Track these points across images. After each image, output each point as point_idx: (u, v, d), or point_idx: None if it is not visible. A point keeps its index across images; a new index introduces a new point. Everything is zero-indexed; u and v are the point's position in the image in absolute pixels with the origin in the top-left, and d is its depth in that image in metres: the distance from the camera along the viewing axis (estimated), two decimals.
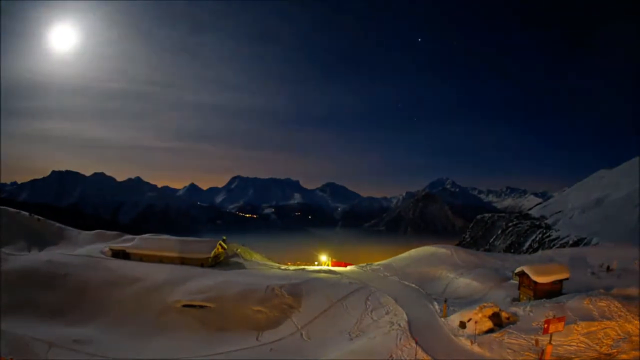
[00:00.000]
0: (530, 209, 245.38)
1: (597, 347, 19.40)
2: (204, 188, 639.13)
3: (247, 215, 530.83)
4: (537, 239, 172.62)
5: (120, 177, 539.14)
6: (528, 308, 24.14)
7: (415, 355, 18.94)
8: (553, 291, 28.35)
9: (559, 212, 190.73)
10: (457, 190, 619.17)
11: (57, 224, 51.29)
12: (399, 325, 23.87)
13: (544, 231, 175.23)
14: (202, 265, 40.99)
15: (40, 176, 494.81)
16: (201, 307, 30.21)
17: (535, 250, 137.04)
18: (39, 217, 50.42)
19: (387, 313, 27.53)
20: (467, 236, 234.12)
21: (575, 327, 20.71)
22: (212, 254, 42.38)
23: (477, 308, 23.48)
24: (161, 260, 41.22)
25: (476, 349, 20.41)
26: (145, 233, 53.28)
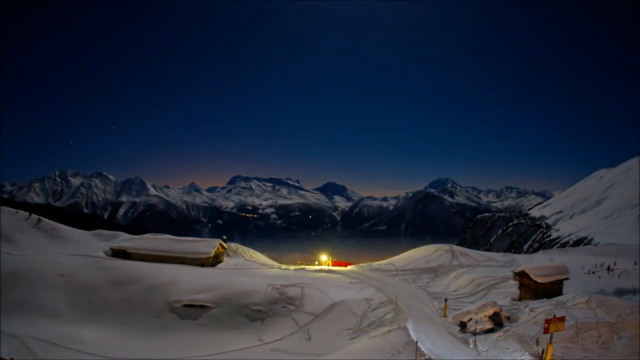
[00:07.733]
0: (530, 209, 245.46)
1: (598, 347, 19.38)
2: (204, 188, 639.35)
3: (247, 215, 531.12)
4: (537, 239, 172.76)
5: (120, 177, 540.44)
6: (528, 308, 24.15)
7: (416, 355, 18.91)
8: (553, 291, 28.42)
9: (559, 212, 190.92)
10: (457, 190, 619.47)
11: (57, 224, 51.22)
12: (399, 325, 23.86)
13: (544, 231, 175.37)
14: (202, 265, 41.00)
15: (40, 176, 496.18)
16: (201, 307, 30.22)
17: (535, 250, 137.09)
18: (39, 217, 50.33)
19: (387, 313, 27.55)
20: (467, 236, 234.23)
21: (576, 327, 20.71)
22: (212, 254, 42.39)
23: (477, 308, 23.50)
24: (161, 260, 41.22)
25: (476, 348, 20.41)
26: (145, 233, 53.38)
